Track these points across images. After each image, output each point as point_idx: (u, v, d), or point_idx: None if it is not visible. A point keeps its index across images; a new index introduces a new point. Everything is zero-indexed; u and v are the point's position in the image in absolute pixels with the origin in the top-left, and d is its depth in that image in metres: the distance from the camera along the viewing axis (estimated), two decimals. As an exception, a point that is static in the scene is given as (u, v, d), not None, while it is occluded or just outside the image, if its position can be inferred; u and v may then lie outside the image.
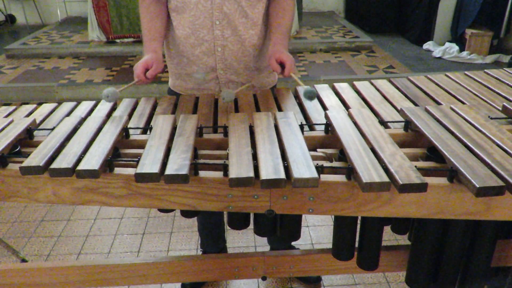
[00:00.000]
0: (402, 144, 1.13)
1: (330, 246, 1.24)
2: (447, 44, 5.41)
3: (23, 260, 2.15)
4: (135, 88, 4.33)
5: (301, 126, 1.15)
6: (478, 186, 0.85)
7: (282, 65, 1.45)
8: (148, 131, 1.21)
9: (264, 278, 1.46)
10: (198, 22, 1.49)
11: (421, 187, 0.87)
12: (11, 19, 7.59)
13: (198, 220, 2.00)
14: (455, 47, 5.29)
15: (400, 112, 1.25)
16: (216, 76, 1.58)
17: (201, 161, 1.04)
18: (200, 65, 1.55)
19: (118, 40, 5.69)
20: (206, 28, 1.49)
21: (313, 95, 1.32)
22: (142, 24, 1.55)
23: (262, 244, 2.25)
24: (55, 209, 2.60)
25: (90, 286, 1.42)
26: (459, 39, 5.46)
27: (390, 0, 6.57)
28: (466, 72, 1.61)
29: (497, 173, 0.90)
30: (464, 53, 5.19)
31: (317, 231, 2.37)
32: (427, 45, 5.70)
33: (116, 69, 4.97)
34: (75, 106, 1.42)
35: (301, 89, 1.39)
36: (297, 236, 1.17)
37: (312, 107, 1.37)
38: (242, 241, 2.30)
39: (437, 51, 5.39)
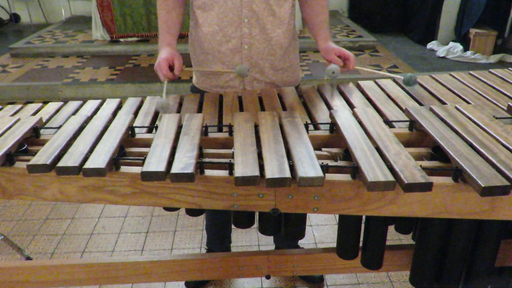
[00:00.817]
0: (407, 144, 1.13)
1: (333, 245, 1.25)
2: (451, 44, 5.40)
3: (28, 258, 2.16)
4: (140, 87, 4.35)
5: (306, 125, 1.15)
6: (483, 185, 0.85)
7: (340, 58, 1.53)
8: (154, 130, 1.21)
9: (268, 277, 1.46)
10: (226, 19, 1.49)
11: (426, 187, 0.87)
12: (15, 18, 7.62)
13: (206, 218, 2.00)
14: (459, 47, 5.27)
15: (405, 111, 1.25)
16: None
17: (207, 160, 1.05)
18: (226, 62, 1.56)
19: (122, 39, 5.70)
20: (234, 25, 1.50)
21: (414, 81, 1.43)
22: (158, 16, 1.57)
23: (266, 243, 2.26)
24: (59, 207, 2.61)
25: (94, 284, 1.43)
26: (463, 39, 5.45)
27: (394, 0, 6.56)
28: (470, 72, 1.61)
29: (502, 173, 0.90)
30: (468, 53, 5.18)
31: (320, 230, 2.37)
32: (431, 45, 5.69)
33: (120, 68, 4.98)
34: (81, 105, 1.43)
35: (400, 77, 1.50)
36: (301, 234, 1.17)
37: (317, 106, 1.37)
38: (246, 240, 2.31)
39: (441, 51, 5.37)
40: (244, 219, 1.19)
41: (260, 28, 1.51)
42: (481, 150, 0.98)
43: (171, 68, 1.46)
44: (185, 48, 1.65)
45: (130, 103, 1.44)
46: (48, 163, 0.97)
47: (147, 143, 1.13)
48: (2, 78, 4.74)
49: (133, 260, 1.42)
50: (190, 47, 1.66)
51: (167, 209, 1.28)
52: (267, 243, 2.25)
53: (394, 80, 1.56)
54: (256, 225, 1.21)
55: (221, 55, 1.55)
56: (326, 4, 1.61)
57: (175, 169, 0.94)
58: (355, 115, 1.20)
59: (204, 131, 1.17)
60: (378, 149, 1.00)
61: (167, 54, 1.47)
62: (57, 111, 1.39)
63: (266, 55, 1.56)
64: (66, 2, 7.43)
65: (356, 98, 1.42)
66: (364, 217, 1.12)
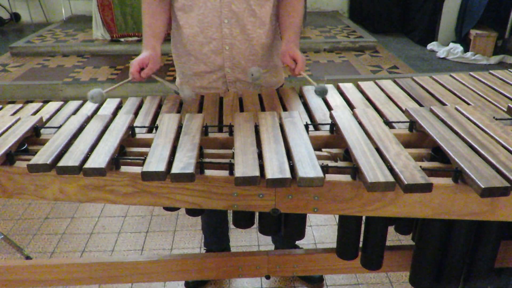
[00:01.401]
0: (406, 144, 1.13)
1: (333, 245, 1.25)
2: (452, 45, 5.40)
3: (28, 257, 2.16)
4: (140, 86, 4.35)
5: (306, 126, 1.15)
6: (483, 186, 0.85)
7: (294, 62, 1.47)
8: (154, 130, 1.22)
9: (267, 277, 1.46)
10: (206, 21, 1.49)
11: (426, 187, 0.87)
12: (16, 17, 7.61)
13: (202, 218, 2.00)
14: (459, 48, 5.27)
15: (405, 112, 1.25)
16: (223, 75, 1.59)
17: (207, 160, 1.05)
18: (208, 64, 1.56)
19: (122, 39, 5.70)
20: (214, 27, 1.50)
21: (324, 92, 1.37)
22: (143, 20, 1.56)
23: (265, 243, 2.26)
24: (59, 206, 2.61)
25: (94, 283, 1.43)
26: (463, 40, 5.45)
27: (394, 0, 6.56)
28: (470, 73, 1.61)
29: (502, 174, 0.90)
30: (469, 54, 5.18)
31: (320, 230, 2.37)
32: (432, 46, 5.69)
33: (120, 67, 4.98)
34: (82, 105, 1.43)
35: (312, 87, 1.43)
36: (301, 235, 1.17)
37: (317, 106, 1.37)
38: (246, 240, 2.31)
39: (442, 52, 5.38)
40: (244, 219, 1.19)
41: (240, 28, 1.51)
42: (481, 151, 0.98)
43: (142, 69, 1.46)
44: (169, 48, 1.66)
45: (131, 103, 1.44)
46: (48, 162, 0.98)
47: (148, 143, 1.13)
48: (3, 77, 4.74)
49: (132, 260, 1.42)
50: (172, 48, 1.66)
51: (167, 208, 1.28)
52: (267, 243, 2.25)
53: (394, 81, 1.56)
54: (256, 225, 1.21)
55: (203, 56, 1.55)
56: (299, 8, 1.57)
57: (175, 169, 0.94)
58: (355, 115, 1.20)
59: (205, 131, 1.18)
60: (378, 150, 1.00)
61: (144, 57, 1.47)
62: (58, 110, 1.40)
63: (248, 55, 1.56)
64: (67, 1, 7.43)
65: (356, 98, 1.42)
66: (364, 218, 1.12)
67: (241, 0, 1.47)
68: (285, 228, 1.16)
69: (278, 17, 1.59)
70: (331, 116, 1.20)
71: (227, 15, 1.48)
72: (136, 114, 1.35)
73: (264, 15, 1.52)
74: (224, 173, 1.00)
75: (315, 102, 1.40)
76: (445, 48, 5.41)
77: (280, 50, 1.63)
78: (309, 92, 1.50)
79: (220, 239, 2.05)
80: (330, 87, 1.53)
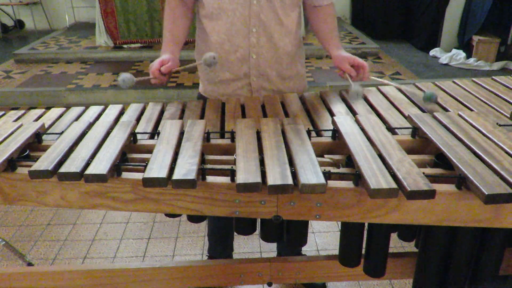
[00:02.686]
0: (409, 151, 1.13)
1: (335, 252, 1.24)
2: (454, 51, 5.40)
3: (29, 264, 2.15)
4: (142, 93, 4.36)
5: (308, 132, 1.15)
6: (487, 193, 0.84)
7: (353, 68, 1.50)
8: (156, 136, 1.21)
9: (270, 285, 1.45)
10: (234, 29, 1.49)
11: (429, 194, 0.87)
12: (20, 24, 7.67)
13: (208, 225, 1.99)
14: (462, 54, 5.27)
15: (408, 118, 1.25)
16: (248, 83, 1.58)
17: (209, 166, 1.04)
18: (233, 71, 1.56)
19: (125, 46, 5.73)
20: (242, 35, 1.49)
21: (434, 99, 1.36)
22: (164, 25, 1.57)
23: (268, 250, 2.25)
24: (61, 213, 2.61)
25: (95, 290, 1.42)
26: (466, 46, 5.45)
27: (396, 7, 6.57)
28: (473, 79, 1.60)
29: (506, 180, 0.89)
30: (471, 60, 5.18)
31: (322, 237, 2.36)
32: (434, 52, 5.69)
33: (123, 74, 5.00)
34: (84, 111, 1.43)
35: (420, 93, 1.43)
36: (303, 242, 1.17)
37: (319, 113, 1.37)
38: (248, 246, 2.30)
39: (444, 58, 5.38)
40: (246, 226, 1.18)
41: (267, 37, 1.51)
42: (485, 157, 0.98)
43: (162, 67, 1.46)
44: (188, 54, 1.66)
45: (133, 109, 1.44)
46: (50, 169, 0.97)
47: (149, 149, 1.13)
48: (6, 83, 4.76)
49: (134, 267, 1.42)
50: (196, 55, 1.66)
51: (169, 215, 1.27)
52: (269, 250, 2.24)
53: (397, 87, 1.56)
54: (258, 231, 1.21)
55: (229, 64, 1.55)
56: (333, 12, 1.60)
57: (177, 175, 0.93)
58: (357, 121, 1.19)
59: (206, 137, 1.17)
60: (380, 156, 0.99)
61: (164, 58, 1.48)
62: (60, 116, 1.40)
63: (273, 63, 1.56)
64: (70, 8, 7.48)
65: (359, 104, 1.42)
66: (366, 225, 1.11)
67: (269, 9, 1.47)
68: (287, 235, 1.15)
69: (314, 26, 1.62)
70: (334, 122, 1.20)
71: (255, 24, 1.48)
72: (138, 120, 1.35)
73: (290, 24, 1.53)
74: (226, 179, 0.99)
75: (318, 108, 1.40)
76: (447, 54, 5.41)
77: (303, 57, 1.68)
78: (312, 98, 1.50)
79: (225, 248, 2.03)
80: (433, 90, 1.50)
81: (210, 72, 1.61)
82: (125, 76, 1.38)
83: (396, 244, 2.20)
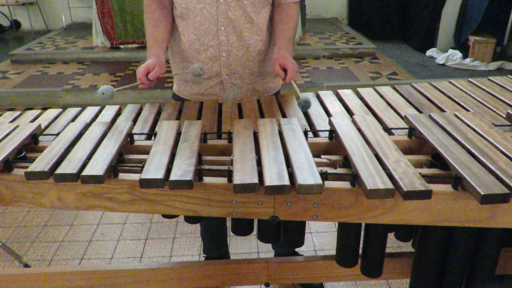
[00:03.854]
0: (406, 151, 1.13)
1: (333, 252, 1.24)
2: (450, 51, 5.42)
3: (26, 265, 2.15)
4: (139, 93, 4.35)
5: (305, 133, 1.15)
6: (483, 193, 0.85)
7: (285, 70, 1.45)
8: (153, 137, 1.21)
9: (267, 285, 1.46)
10: (203, 28, 1.50)
11: (426, 194, 0.87)
12: (16, 24, 7.64)
13: (201, 225, 2.00)
14: (458, 54, 5.29)
15: (404, 119, 1.25)
16: (220, 81, 1.59)
17: (206, 167, 1.04)
18: (206, 71, 1.56)
19: (122, 46, 5.72)
20: (211, 34, 1.50)
21: (307, 105, 1.30)
22: (146, 30, 1.56)
23: (264, 250, 2.25)
24: (58, 214, 2.61)
25: (92, 291, 1.42)
26: (462, 46, 5.46)
27: (393, 7, 6.59)
28: (470, 79, 1.61)
29: (501, 181, 0.89)
30: (468, 60, 5.19)
31: (320, 237, 2.36)
32: (431, 52, 5.71)
33: (120, 74, 4.99)
34: (80, 112, 1.43)
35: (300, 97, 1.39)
36: (300, 242, 1.17)
37: (316, 113, 1.37)
38: (245, 247, 2.30)
39: (441, 58, 5.39)
40: (243, 227, 1.18)
41: (237, 35, 1.51)
42: (481, 157, 0.98)
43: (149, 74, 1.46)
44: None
45: (129, 110, 1.44)
46: (46, 170, 0.97)
47: (146, 150, 1.13)
48: (2, 84, 4.75)
49: (132, 268, 1.42)
50: (170, 55, 1.67)
51: (166, 216, 1.27)
52: (267, 250, 2.24)
53: (393, 87, 1.56)
54: (255, 232, 1.21)
55: (200, 63, 1.55)
56: (293, 15, 1.56)
57: (173, 176, 0.93)
58: (354, 122, 1.19)
59: (203, 138, 1.17)
60: (377, 157, 1.00)
61: (150, 62, 1.47)
62: (56, 117, 1.39)
63: (245, 61, 1.56)
64: (67, 8, 7.46)
65: (355, 105, 1.42)
66: (363, 225, 1.11)
67: (238, 7, 1.47)
68: (285, 235, 1.15)
69: (272, 23, 1.59)
70: (330, 123, 1.20)
71: (224, 22, 1.48)
72: (134, 121, 1.35)
73: (261, 21, 1.53)
74: (223, 180, 0.99)
75: (314, 109, 1.40)
76: (444, 55, 5.42)
77: None
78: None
79: (219, 245, 2.04)
80: (328, 94, 1.53)
81: (183, 70, 1.62)
82: (104, 89, 1.35)
83: (393, 244, 2.21)
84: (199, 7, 1.47)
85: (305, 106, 1.30)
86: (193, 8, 1.47)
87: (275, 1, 1.57)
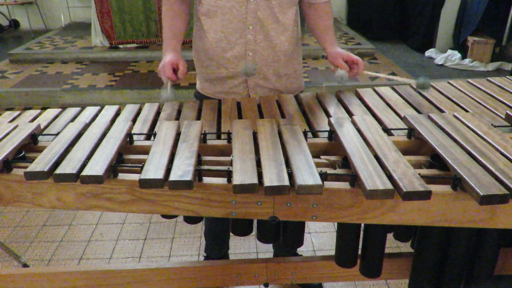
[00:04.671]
0: (405, 152, 1.13)
1: (332, 252, 1.24)
2: (449, 51, 5.43)
3: (25, 265, 2.14)
4: (138, 93, 4.35)
5: (305, 133, 1.15)
6: (482, 194, 0.85)
7: (348, 63, 1.52)
8: (152, 137, 1.21)
9: (266, 285, 1.46)
10: (231, 26, 1.50)
11: (425, 195, 0.87)
12: (15, 24, 7.64)
13: (205, 224, 2.00)
14: (457, 55, 5.30)
15: (404, 119, 1.25)
16: (245, 80, 1.59)
17: (205, 167, 1.04)
18: (230, 69, 1.57)
19: (121, 46, 5.71)
20: (238, 32, 1.50)
21: (427, 85, 1.43)
22: (164, 22, 1.58)
23: (264, 250, 2.25)
24: (57, 214, 2.60)
25: (91, 291, 1.42)
26: (461, 47, 5.47)
27: (392, 7, 6.60)
28: (469, 80, 1.61)
29: (500, 181, 0.90)
30: (466, 61, 5.20)
31: (319, 237, 2.37)
32: (429, 52, 5.72)
33: (119, 74, 4.99)
34: (79, 112, 1.43)
35: (414, 81, 1.50)
36: (300, 242, 1.17)
37: (316, 113, 1.37)
38: (244, 247, 2.30)
39: (439, 58, 5.40)
40: (242, 227, 1.18)
41: (264, 35, 1.52)
42: (480, 158, 0.98)
43: (174, 71, 1.48)
44: (188, 55, 1.66)
45: (129, 110, 1.44)
46: (45, 170, 0.97)
47: (146, 150, 1.13)
48: (1, 84, 4.74)
49: (130, 268, 1.42)
50: (194, 53, 1.66)
51: (165, 216, 1.27)
52: (266, 250, 2.24)
53: (392, 87, 1.56)
54: (254, 232, 1.21)
55: (226, 61, 1.56)
56: (329, 10, 1.62)
57: (173, 176, 0.93)
58: (353, 122, 1.20)
59: (203, 138, 1.17)
60: (376, 157, 1.00)
61: (172, 58, 1.49)
62: (56, 117, 1.39)
63: (270, 61, 1.57)
64: (66, 8, 7.46)
65: (355, 105, 1.42)
66: (362, 225, 1.11)
67: (266, 6, 1.48)
68: (284, 235, 1.15)
69: (311, 23, 1.63)
70: (330, 123, 1.20)
71: (252, 22, 1.49)
72: (134, 121, 1.35)
73: (287, 21, 1.54)
74: (223, 180, 0.99)
75: (314, 109, 1.40)
76: (443, 55, 5.43)
77: (301, 56, 1.69)
78: (308, 99, 1.50)
79: (221, 246, 2.04)
80: (327, 94, 1.54)
81: (207, 69, 1.62)
82: (165, 96, 1.41)
83: (391, 244, 2.21)
84: (228, 5, 1.47)
85: (424, 86, 1.42)
86: (222, 6, 1.48)
87: (304, 2, 1.60)
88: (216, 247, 2.03)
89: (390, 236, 1.24)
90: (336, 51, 1.56)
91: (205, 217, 1.82)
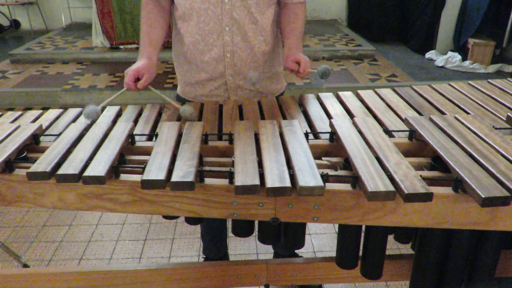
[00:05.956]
0: (406, 153, 1.13)
1: (332, 254, 1.24)
2: (450, 53, 5.43)
3: (25, 265, 2.14)
4: (139, 94, 4.34)
5: (306, 134, 1.15)
6: (483, 196, 0.85)
7: (298, 65, 1.47)
8: (154, 138, 1.21)
9: (266, 286, 1.46)
10: (207, 28, 1.49)
11: (427, 197, 0.87)
12: (15, 24, 7.64)
13: (201, 225, 2.00)
14: (457, 56, 5.30)
15: (405, 121, 1.25)
16: (224, 82, 1.59)
17: (207, 168, 1.04)
18: (209, 71, 1.57)
19: (121, 46, 5.71)
20: (215, 34, 1.50)
21: (327, 73, 1.40)
22: (141, 29, 1.56)
23: (264, 251, 2.25)
24: (57, 214, 2.60)
25: (92, 292, 1.42)
26: (461, 49, 5.48)
27: (392, 9, 6.60)
28: (469, 82, 1.61)
29: (502, 183, 0.90)
30: (467, 63, 5.21)
31: (319, 239, 2.37)
32: (430, 54, 5.72)
33: (119, 75, 4.99)
34: (81, 112, 1.43)
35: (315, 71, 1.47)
36: (301, 244, 1.17)
37: (317, 115, 1.37)
38: (244, 248, 2.30)
39: (440, 60, 5.40)
40: (243, 228, 1.19)
41: (241, 36, 1.51)
42: (481, 160, 0.98)
43: (138, 79, 1.45)
44: (165, 56, 1.65)
45: (130, 111, 1.44)
46: (48, 170, 0.97)
47: (147, 151, 1.13)
48: (2, 84, 4.74)
49: (131, 268, 1.42)
50: (174, 57, 1.66)
51: (167, 217, 1.28)
52: (266, 251, 2.24)
53: (393, 89, 1.57)
54: (254, 233, 1.21)
55: (204, 64, 1.56)
56: (300, 13, 1.57)
57: (175, 177, 0.93)
58: (355, 124, 1.20)
59: (204, 139, 1.17)
60: (378, 159, 1.00)
61: (140, 66, 1.46)
62: (57, 118, 1.39)
63: (249, 62, 1.56)
64: (67, 9, 7.46)
65: (356, 107, 1.42)
66: (363, 227, 1.12)
67: (242, 7, 1.47)
68: (285, 237, 1.15)
69: (280, 24, 1.60)
70: (331, 125, 1.20)
71: (228, 23, 1.48)
72: (135, 122, 1.35)
73: (265, 22, 1.53)
74: (224, 181, 1.00)
75: (315, 111, 1.41)
76: (443, 57, 5.43)
77: (281, 57, 1.65)
78: (309, 100, 1.50)
79: (219, 246, 2.04)
80: (329, 96, 1.54)
81: (187, 73, 1.62)
82: (88, 110, 1.29)
83: (391, 245, 2.21)
84: (203, 7, 1.46)
85: (324, 74, 1.38)
86: (197, 8, 1.47)
87: (280, 1, 1.57)
88: (214, 247, 2.04)
89: (390, 238, 1.24)
90: (288, 53, 1.51)
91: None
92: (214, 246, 2.04)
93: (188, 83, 1.65)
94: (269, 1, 1.51)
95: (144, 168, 0.98)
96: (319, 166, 1.04)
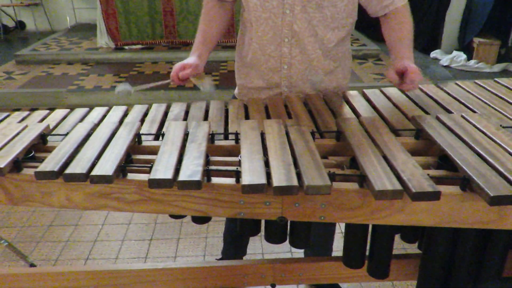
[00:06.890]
0: (413, 152, 1.13)
1: (338, 253, 1.24)
2: (455, 53, 5.41)
3: (32, 265, 2.16)
4: (144, 94, 4.36)
5: (312, 133, 1.15)
6: (492, 194, 0.85)
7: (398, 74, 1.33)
8: (160, 137, 1.22)
9: (273, 286, 1.46)
10: (266, 38, 1.47)
11: (434, 196, 0.87)
12: (21, 25, 7.68)
13: (225, 226, 1.98)
14: (462, 56, 5.28)
15: (411, 120, 1.25)
16: (280, 93, 1.56)
17: (214, 167, 1.05)
18: (265, 80, 1.55)
19: (126, 47, 5.73)
20: (274, 45, 1.47)
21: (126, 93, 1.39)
22: (199, 25, 1.55)
23: (269, 251, 2.25)
24: (63, 214, 2.61)
25: (98, 291, 1.42)
26: (466, 48, 5.45)
27: (397, 9, 6.57)
28: (476, 81, 1.61)
29: (510, 182, 0.89)
30: (472, 62, 5.18)
31: (324, 239, 2.36)
32: (435, 54, 5.70)
33: (124, 75, 5.01)
34: (88, 112, 1.43)
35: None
36: (307, 243, 1.17)
37: (323, 114, 1.37)
38: (250, 248, 2.29)
39: (445, 60, 5.38)
40: (250, 227, 1.19)
41: (300, 49, 1.47)
42: (489, 159, 0.98)
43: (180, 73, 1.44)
44: (213, 56, 1.64)
45: (136, 110, 1.44)
46: (55, 170, 0.98)
47: (154, 151, 1.13)
48: (8, 84, 4.77)
49: (137, 268, 1.42)
50: (236, 57, 1.65)
51: (173, 216, 1.28)
52: (271, 251, 2.24)
53: (399, 88, 1.56)
54: (261, 233, 1.21)
55: (261, 73, 1.54)
56: (406, 21, 1.49)
57: (182, 176, 0.94)
58: (361, 123, 1.20)
59: (211, 138, 1.18)
60: (385, 158, 1.00)
61: (188, 61, 1.45)
62: (64, 118, 1.40)
63: (307, 75, 1.52)
64: (71, 9, 7.50)
65: (362, 106, 1.42)
66: (370, 226, 1.11)
67: (304, 20, 1.42)
68: (292, 236, 1.15)
69: (384, 34, 1.54)
70: (337, 124, 1.20)
71: (288, 34, 1.45)
72: (142, 121, 1.36)
73: (328, 38, 1.47)
74: (231, 180, 1.00)
75: (322, 110, 1.40)
76: (448, 56, 5.41)
77: (347, 71, 1.61)
78: (313, 99, 1.50)
79: (238, 250, 2.02)
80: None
81: (245, 77, 1.60)
82: (121, 88, 1.34)
83: (397, 246, 2.20)
84: (264, 16, 1.43)
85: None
86: (259, 17, 1.44)
87: (380, 14, 1.54)
88: (232, 250, 2.02)
89: (396, 238, 1.23)
90: (396, 63, 1.36)
91: (226, 218, 1.79)
92: (233, 248, 2.01)
93: (245, 86, 1.63)
94: (336, 23, 1.47)
95: (151, 167, 0.98)
96: (326, 165, 1.04)
